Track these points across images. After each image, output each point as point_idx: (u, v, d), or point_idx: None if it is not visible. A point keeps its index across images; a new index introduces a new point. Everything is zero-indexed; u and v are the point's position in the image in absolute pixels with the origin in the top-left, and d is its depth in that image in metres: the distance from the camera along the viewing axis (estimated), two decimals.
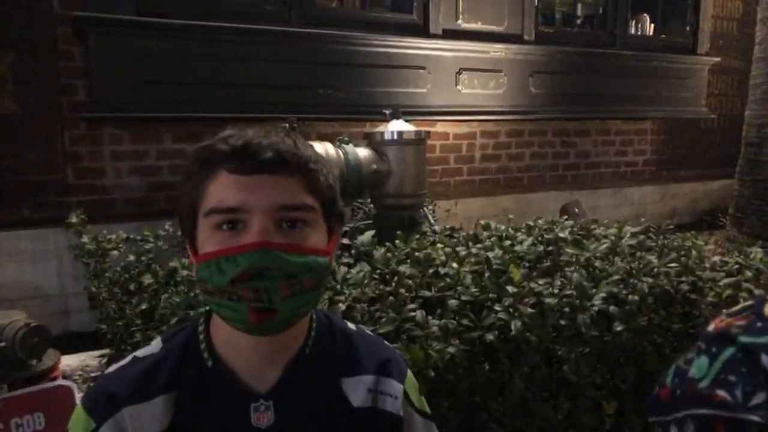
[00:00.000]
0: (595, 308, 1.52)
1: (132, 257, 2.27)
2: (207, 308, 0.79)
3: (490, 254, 1.77)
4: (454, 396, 1.41)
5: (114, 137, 3.29)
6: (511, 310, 1.47)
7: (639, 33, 4.87)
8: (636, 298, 1.54)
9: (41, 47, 3.06)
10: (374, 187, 2.84)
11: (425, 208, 3.00)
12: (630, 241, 1.95)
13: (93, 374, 2.41)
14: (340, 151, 2.68)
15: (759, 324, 0.57)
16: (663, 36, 4.95)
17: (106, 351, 2.27)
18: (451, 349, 1.37)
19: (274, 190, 0.67)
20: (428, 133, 2.98)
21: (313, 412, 0.75)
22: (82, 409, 0.72)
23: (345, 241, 2.14)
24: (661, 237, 2.06)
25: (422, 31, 3.77)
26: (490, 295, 1.55)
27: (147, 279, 2.06)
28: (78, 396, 1.68)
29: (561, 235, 1.95)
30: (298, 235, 0.68)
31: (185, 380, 0.73)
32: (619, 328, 1.48)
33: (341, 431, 0.76)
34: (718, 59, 5.05)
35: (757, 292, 1.67)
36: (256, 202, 0.66)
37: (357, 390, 0.78)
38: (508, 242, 1.96)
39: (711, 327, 0.62)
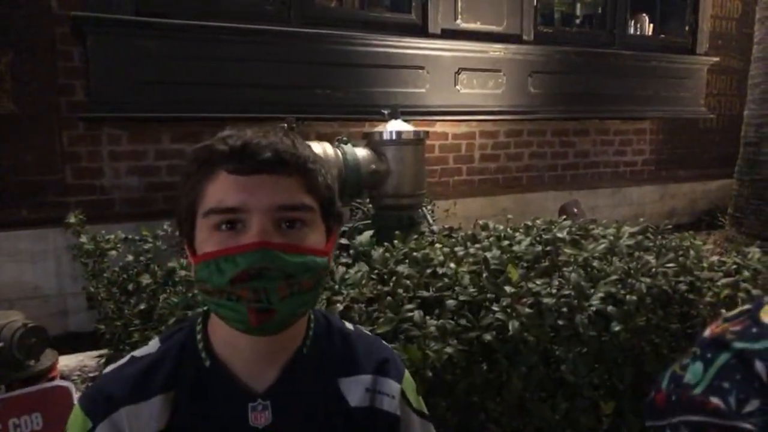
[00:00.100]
0: (593, 308, 1.52)
1: (130, 257, 2.27)
2: (205, 308, 0.79)
3: (488, 254, 1.77)
4: (452, 396, 1.41)
5: (112, 137, 3.28)
6: (508, 310, 1.47)
7: (638, 33, 4.87)
8: (634, 298, 1.54)
9: (40, 47, 3.06)
10: (373, 187, 2.84)
11: (424, 208, 2.99)
12: (628, 241, 1.95)
13: (91, 374, 2.41)
14: (338, 151, 2.68)
15: (754, 330, 0.57)
16: (662, 36, 4.95)
17: (104, 351, 2.26)
18: (448, 350, 1.37)
19: (273, 190, 0.67)
20: (427, 133, 2.98)
21: (310, 411, 0.75)
22: (80, 409, 0.72)
23: (343, 241, 2.14)
24: (660, 237, 2.06)
25: (421, 30, 3.77)
26: (488, 296, 1.55)
27: (145, 279, 2.06)
28: (76, 396, 1.68)
29: (559, 235, 1.95)
30: (296, 235, 0.68)
31: (183, 380, 0.73)
32: (617, 328, 1.48)
33: (339, 431, 0.76)
34: (717, 59, 5.05)
35: (755, 292, 1.67)
36: (255, 203, 0.66)
37: (354, 390, 0.78)
38: (506, 242, 1.96)
39: (707, 332, 0.62)
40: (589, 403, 1.48)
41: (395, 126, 2.87)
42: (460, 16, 3.86)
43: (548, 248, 1.89)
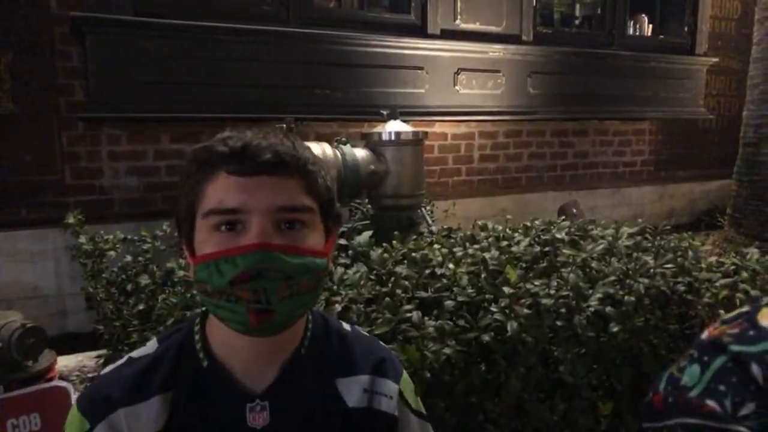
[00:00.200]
0: (592, 309, 1.52)
1: (129, 258, 2.26)
2: (203, 308, 0.79)
3: (487, 255, 1.77)
4: (450, 397, 1.41)
5: (112, 137, 3.28)
6: (507, 311, 1.47)
7: (637, 33, 4.87)
8: (632, 299, 1.55)
9: (39, 47, 3.06)
10: (372, 188, 2.84)
11: (423, 209, 3.00)
12: (627, 241, 1.95)
13: (90, 375, 2.41)
14: (337, 151, 2.68)
15: (751, 332, 0.57)
16: (661, 36, 4.96)
17: (103, 351, 2.26)
18: (447, 350, 1.37)
19: (273, 191, 0.67)
20: (426, 133, 2.98)
21: (308, 412, 0.75)
22: (77, 411, 0.72)
23: (342, 241, 2.14)
24: (658, 238, 2.06)
25: (420, 31, 3.77)
26: (487, 296, 1.55)
27: (144, 279, 2.05)
28: (74, 397, 1.68)
29: (558, 235, 1.96)
30: (296, 236, 0.69)
31: (181, 381, 0.73)
32: (615, 329, 1.48)
33: (337, 431, 0.76)
34: (716, 60, 5.06)
35: (753, 293, 1.67)
36: (256, 204, 0.66)
37: (352, 390, 0.78)
38: (505, 243, 1.96)
39: (705, 334, 0.62)
40: (587, 403, 1.49)
41: (394, 126, 2.87)
42: (459, 17, 3.86)
43: (547, 249, 1.89)
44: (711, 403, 0.55)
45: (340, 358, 0.80)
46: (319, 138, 3.68)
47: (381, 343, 0.88)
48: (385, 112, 2.95)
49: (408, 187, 2.85)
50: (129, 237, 2.36)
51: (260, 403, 0.73)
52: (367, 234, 2.09)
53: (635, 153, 5.26)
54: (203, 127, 3.45)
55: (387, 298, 1.55)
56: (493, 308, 1.49)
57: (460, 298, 1.56)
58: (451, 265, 1.73)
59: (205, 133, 3.43)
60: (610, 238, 1.96)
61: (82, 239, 2.33)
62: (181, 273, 1.91)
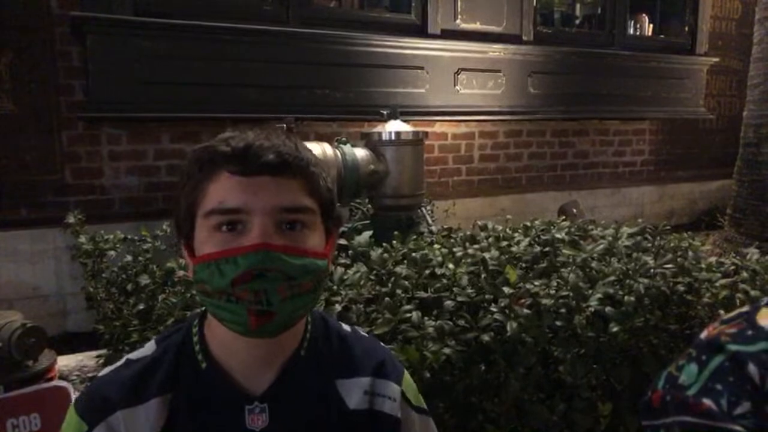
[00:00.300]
0: (592, 309, 1.52)
1: (129, 257, 2.26)
2: (202, 308, 0.78)
3: (487, 255, 1.77)
4: (450, 397, 1.41)
5: (112, 137, 3.28)
6: (507, 311, 1.48)
7: (637, 33, 4.87)
8: (632, 299, 1.55)
9: (39, 47, 3.06)
10: (372, 188, 2.84)
11: (423, 209, 3.00)
12: (627, 242, 1.95)
13: (90, 375, 2.41)
14: (337, 151, 2.68)
15: (749, 332, 0.57)
16: (661, 36, 4.95)
17: (103, 351, 2.26)
18: (446, 350, 1.37)
19: (275, 192, 0.67)
20: (426, 133, 2.98)
21: (308, 414, 0.75)
22: (74, 413, 0.72)
23: (342, 241, 2.14)
24: (658, 238, 2.06)
25: (420, 31, 3.76)
26: (487, 296, 1.55)
27: (144, 279, 2.06)
28: (74, 397, 1.68)
29: (558, 235, 1.96)
30: (297, 237, 0.68)
31: (179, 383, 0.73)
32: (615, 329, 1.49)
33: None
34: (716, 60, 5.05)
35: (753, 293, 1.67)
36: (257, 204, 0.66)
37: (353, 392, 0.78)
38: (504, 243, 1.96)
39: (703, 334, 0.63)
40: (586, 403, 1.49)
41: (394, 126, 2.87)
42: (459, 17, 3.86)
43: (547, 249, 1.89)
44: (707, 402, 0.55)
45: (341, 360, 0.80)
46: (319, 138, 3.68)
47: (381, 343, 0.88)
48: (385, 112, 2.95)
49: (408, 187, 2.85)
50: (129, 237, 2.36)
51: (259, 405, 0.72)
52: (367, 234, 2.09)
53: (635, 153, 5.26)
54: (203, 127, 3.45)
55: (387, 298, 1.55)
56: (493, 308, 1.49)
57: (460, 298, 1.56)
58: (451, 265, 1.73)
59: (205, 132, 3.44)
60: (610, 238, 1.96)
61: (82, 239, 2.33)
62: (181, 273, 1.92)
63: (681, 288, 1.65)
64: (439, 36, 3.78)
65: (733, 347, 0.57)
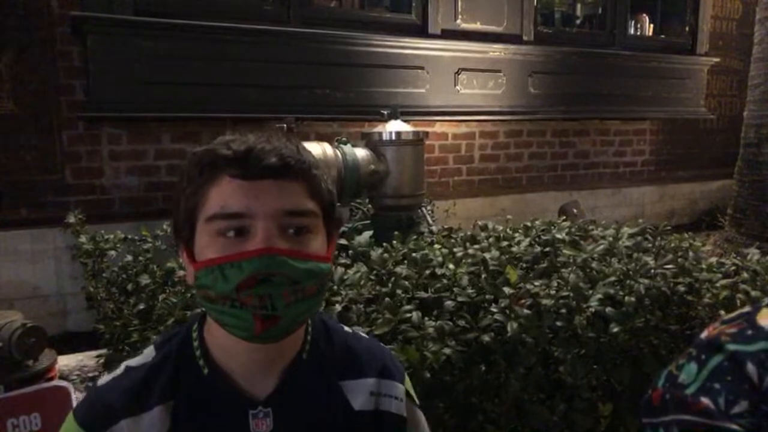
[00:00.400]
0: (592, 309, 1.52)
1: (130, 257, 2.26)
2: (201, 311, 0.78)
3: (487, 255, 1.77)
4: (450, 397, 1.41)
5: (112, 137, 3.29)
6: (507, 311, 1.47)
7: (638, 33, 4.87)
8: (632, 299, 1.54)
9: (39, 47, 3.06)
10: (372, 188, 2.84)
11: (423, 209, 3.00)
12: (627, 242, 1.95)
13: (90, 374, 2.41)
14: (338, 151, 2.68)
15: (749, 332, 0.58)
16: (662, 36, 4.95)
17: (103, 351, 2.26)
18: (447, 351, 1.37)
19: (278, 195, 0.66)
20: (426, 133, 2.98)
21: (312, 416, 0.74)
22: (75, 422, 0.70)
23: (342, 241, 2.14)
24: (659, 238, 2.06)
25: (421, 31, 3.77)
26: (487, 297, 1.55)
27: (144, 279, 2.05)
28: (75, 396, 1.68)
29: (558, 236, 1.96)
30: (301, 240, 0.68)
31: (181, 389, 0.72)
32: (615, 330, 1.48)
33: None
34: (717, 60, 5.05)
35: (753, 293, 1.67)
36: (260, 208, 0.65)
37: (358, 393, 0.77)
38: (505, 243, 1.96)
39: (704, 334, 0.63)
40: (587, 404, 1.48)
41: (394, 126, 2.87)
42: (460, 17, 3.86)
43: (547, 249, 1.89)
44: (705, 400, 0.56)
45: (344, 362, 0.79)
46: (319, 138, 3.68)
47: (381, 344, 0.88)
48: (385, 112, 2.95)
49: (408, 187, 2.85)
50: (129, 236, 2.36)
51: (263, 409, 0.72)
52: (367, 234, 2.09)
53: (636, 153, 5.25)
54: (203, 127, 3.45)
55: (387, 298, 1.55)
56: (494, 308, 1.49)
57: (460, 299, 1.55)
58: (451, 266, 1.73)
59: (206, 132, 3.44)
60: (611, 239, 1.96)
61: (83, 239, 2.32)
62: (181, 273, 1.91)
63: (681, 288, 1.65)
64: (439, 36, 3.78)
65: (732, 347, 0.57)
